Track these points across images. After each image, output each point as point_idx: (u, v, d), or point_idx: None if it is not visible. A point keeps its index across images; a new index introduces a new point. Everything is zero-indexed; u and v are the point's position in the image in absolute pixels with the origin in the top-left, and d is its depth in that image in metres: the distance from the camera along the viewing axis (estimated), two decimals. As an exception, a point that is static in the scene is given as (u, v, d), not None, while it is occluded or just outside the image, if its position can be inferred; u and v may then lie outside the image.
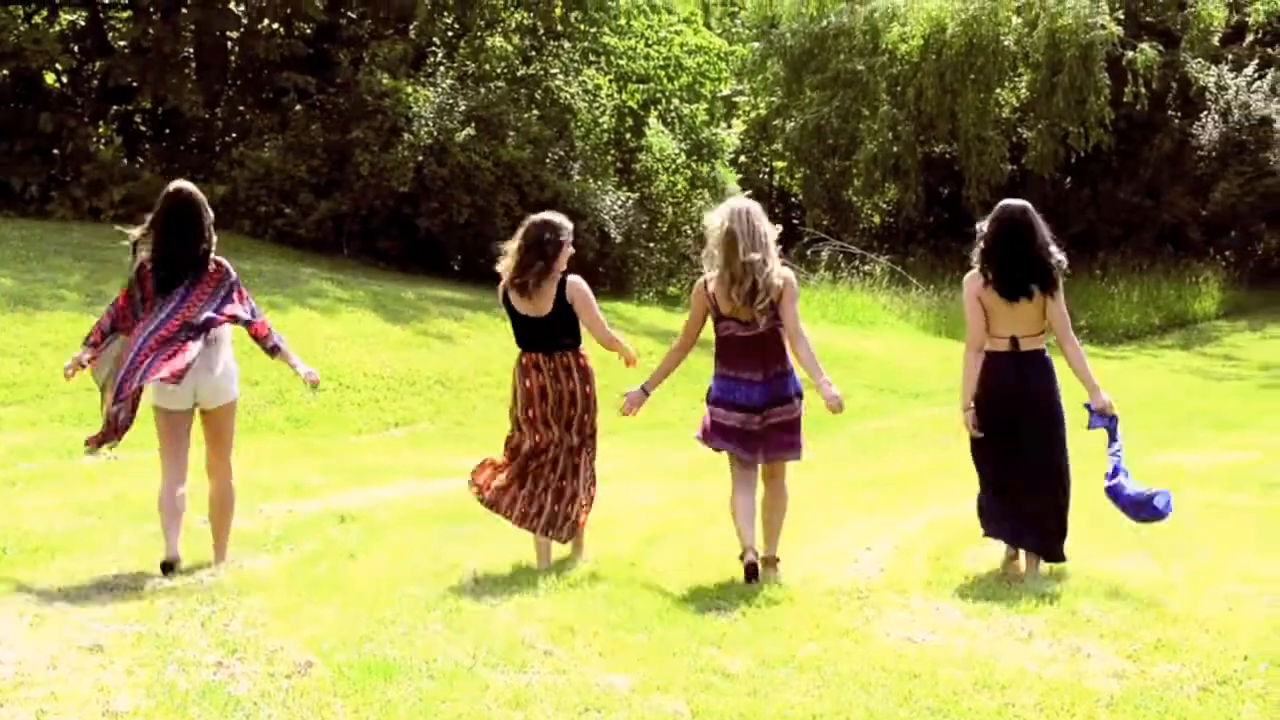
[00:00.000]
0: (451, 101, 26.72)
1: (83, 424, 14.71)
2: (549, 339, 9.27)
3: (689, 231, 31.78)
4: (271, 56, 27.63)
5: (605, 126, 30.72)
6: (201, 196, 9.20)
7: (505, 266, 9.26)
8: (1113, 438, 9.02)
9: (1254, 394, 25.96)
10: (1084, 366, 9.02)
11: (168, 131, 29.11)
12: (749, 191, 33.08)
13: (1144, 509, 8.77)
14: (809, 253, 37.78)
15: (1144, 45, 38.91)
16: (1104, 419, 9.04)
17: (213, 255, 9.15)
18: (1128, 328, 35.35)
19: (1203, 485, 14.28)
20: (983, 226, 9.11)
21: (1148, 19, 42.01)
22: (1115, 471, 8.88)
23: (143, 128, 29.48)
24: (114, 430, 9.07)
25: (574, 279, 9.33)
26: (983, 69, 39.36)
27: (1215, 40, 41.48)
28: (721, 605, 7.97)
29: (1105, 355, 31.69)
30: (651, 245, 30.62)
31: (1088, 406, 9.03)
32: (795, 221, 43.21)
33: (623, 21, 30.28)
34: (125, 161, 27.84)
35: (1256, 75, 39.43)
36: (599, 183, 28.76)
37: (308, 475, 13.01)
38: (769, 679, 6.75)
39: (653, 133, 31.47)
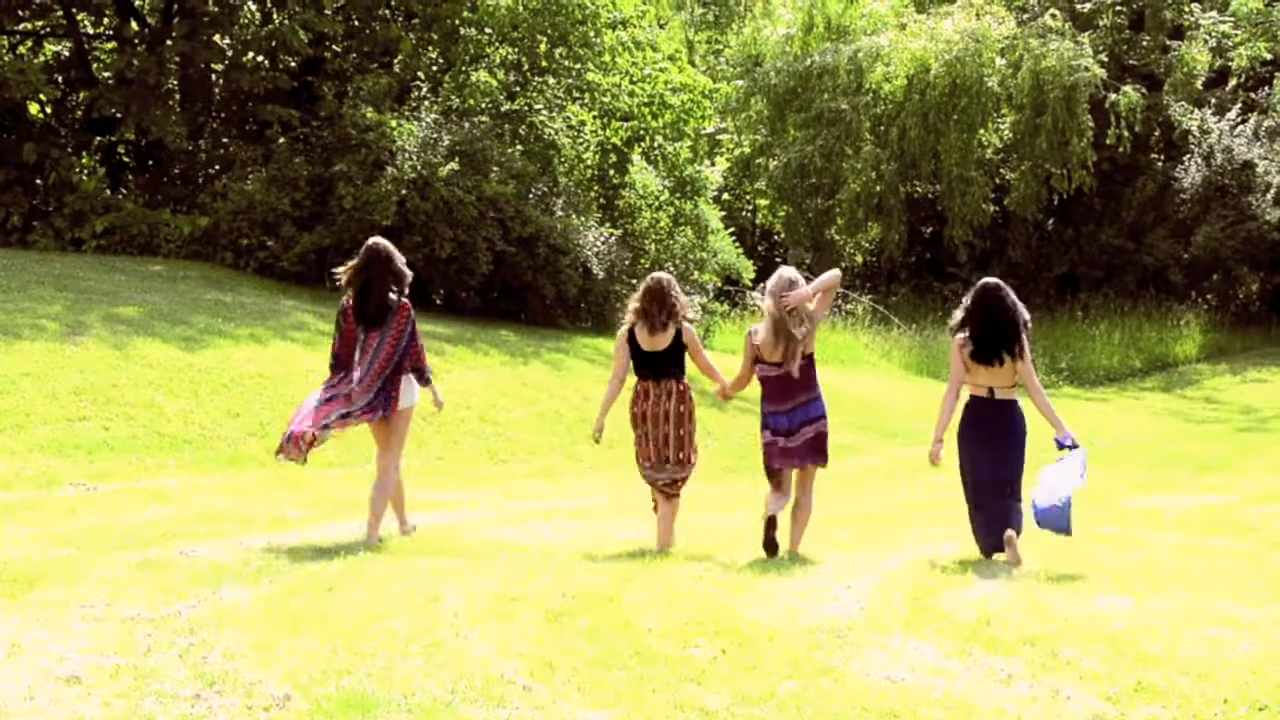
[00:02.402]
0: (435, 136, 26.76)
1: (62, 454, 14.71)
2: (661, 369, 11.63)
3: (671, 269, 31.81)
4: (255, 89, 27.69)
5: (589, 163, 30.82)
6: (393, 249, 11.42)
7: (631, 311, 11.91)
8: (1077, 461, 10.77)
9: (1234, 437, 26.01)
10: (1049, 411, 11.01)
11: (151, 163, 29.15)
12: (732, 229, 33.17)
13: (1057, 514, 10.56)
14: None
15: (1127, 88, 39.15)
16: (1068, 443, 10.88)
17: (403, 299, 11.35)
18: (1109, 370, 35.45)
19: (1181, 528, 14.29)
20: (965, 301, 11.06)
21: (1131, 62, 42.27)
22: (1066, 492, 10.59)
23: (126, 159, 29.53)
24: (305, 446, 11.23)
25: (687, 325, 11.73)
26: (966, 110, 39.54)
27: (1199, 84, 41.75)
28: (701, 642, 7.95)
29: (1086, 397, 31.77)
30: (634, 282, 30.60)
31: (1057, 441, 10.92)
32: (778, 260, 43.30)
33: (607, 58, 30.33)
34: (108, 192, 27.90)
35: (1239, 119, 39.64)
36: (582, 219, 28.82)
37: (288, 508, 12.99)
38: (748, 717, 6.74)
39: (636, 169, 31.55)
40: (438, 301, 27.59)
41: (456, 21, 29.32)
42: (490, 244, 26.27)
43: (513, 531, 12.14)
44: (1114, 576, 10.05)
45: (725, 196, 42.06)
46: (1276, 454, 23.46)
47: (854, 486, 17.58)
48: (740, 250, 35.17)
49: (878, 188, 40.59)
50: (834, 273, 11.56)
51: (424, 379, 11.57)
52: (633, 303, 11.92)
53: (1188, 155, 40.13)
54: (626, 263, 29.97)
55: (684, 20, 47.57)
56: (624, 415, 12.05)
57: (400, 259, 11.41)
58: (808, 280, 11.53)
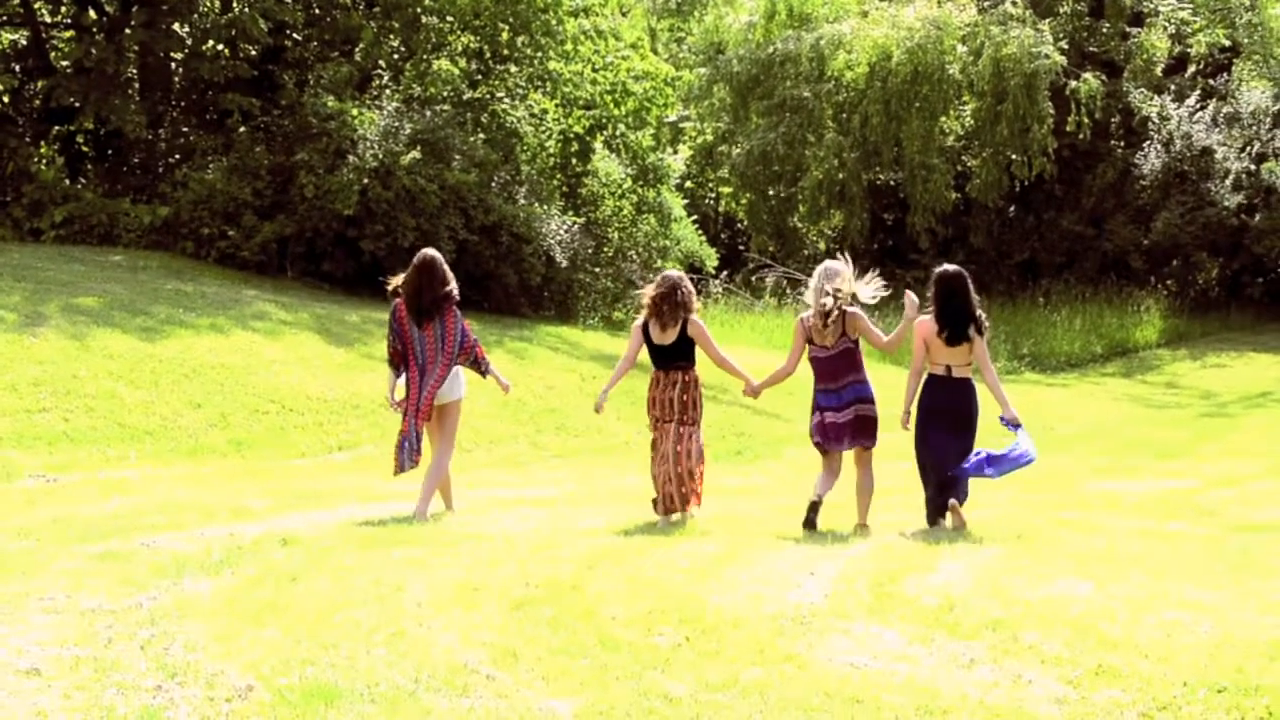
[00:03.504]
0: (397, 124, 26.70)
1: (21, 446, 14.65)
2: (671, 360, 12.54)
3: (634, 257, 31.83)
4: (216, 78, 27.57)
5: (551, 151, 30.80)
6: (441, 259, 12.75)
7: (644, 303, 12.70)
8: (1016, 430, 11.93)
9: (1193, 422, 26.13)
10: (998, 389, 12.08)
11: (110, 152, 28.99)
12: (695, 216, 33.23)
13: (1006, 462, 11.80)
14: (754, 279, 37.89)
15: (1087, 75, 39.28)
16: (1011, 425, 11.97)
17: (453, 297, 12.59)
18: (1070, 355, 35.55)
19: (1142, 513, 14.36)
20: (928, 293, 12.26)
21: (1091, 49, 42.41)
22: (999, 458, 11.80)
23: (85, 148, 29.34)
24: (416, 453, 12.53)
25: (695, 318, 12.56)
26: (928, 97, 39.60)
27: (1158, 71, 41.99)
28: (664, 630, 7.95)
29: (1047, 383, 31.87)
30: (597, 270, 30.66)
31: (1001, 419, 12.01)
32: (740, 247, 43.41)
33: (569, 47, 30.28)
34: (67, 182, 27.73)
35: (1198, 106, 39.81)
36: (545, 207, 28.81)
37: (250, 499, 12.93)
38: (712, 704, 6.74)
39: (599, 158, 31.53)
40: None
41: (418, 10, 29.23)
42: (453, 233, 26.21)
43: (476, 521, 12.11)
44: (1075, 561, 10.08)
45: (688, 184, 42.10)
46: (1235, 439, 23.59)
47: (812, 472, 17.58)
48: (703, 238, 35.21)
49: (840, 175, 40.62)
50: (910, 308, 12.24)
51: (489, 368, 12.90)
52: (646, 297, 12.69)
53: (1147, 142, 40.29)
54: (589, 251, 29.97)
55: (646, 8, 47.55)
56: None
57: (446, 267, 12.74)
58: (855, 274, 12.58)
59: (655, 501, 12.51)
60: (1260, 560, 10.41)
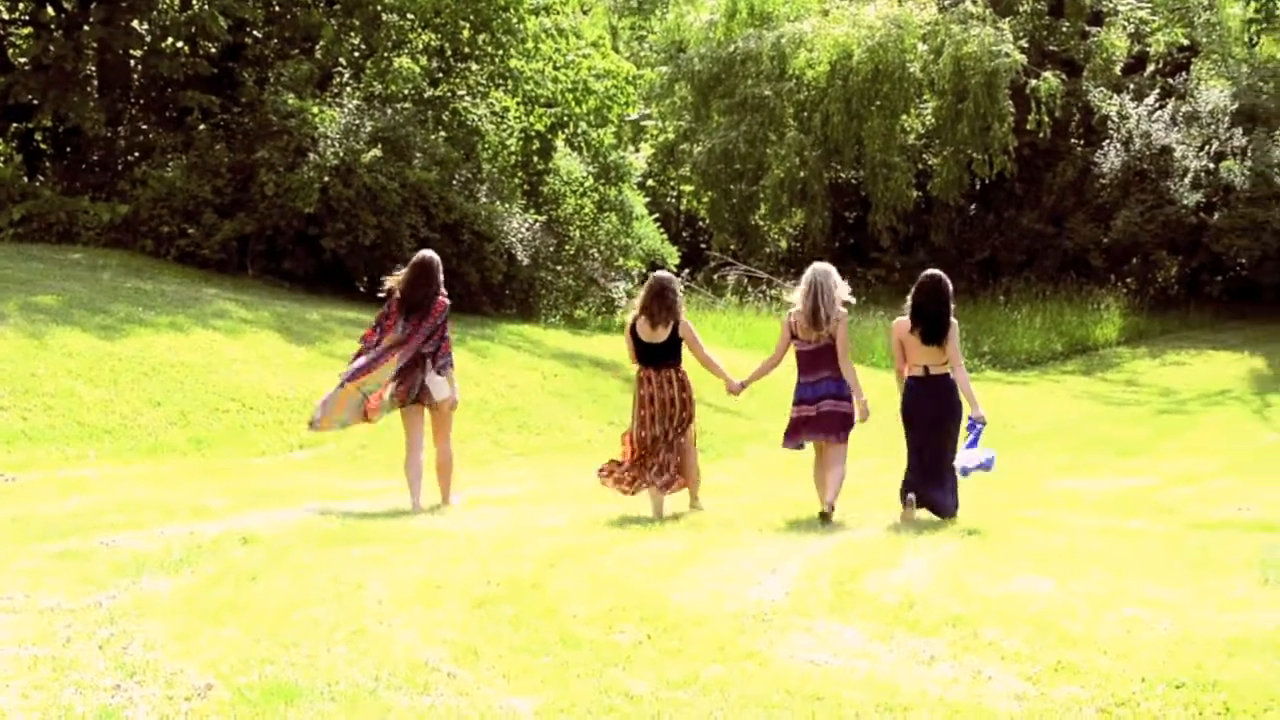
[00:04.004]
0: (358, 122, 26.64)
1: (-20, 444, 14.56)
2: (661, 359, 13.02)
3: (596, 255, 31.82)
4: (175, 75, 27.43)
5: (513, 149, 30.78)
6: (439, 262, 13.57)
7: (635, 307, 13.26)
8: (973, 434, 12.59)
9: (1153, 420, 26.25)
10: (968, 388, 12.74)
11: (69, 150, 28.82)
12: (657, 215, 33.26)
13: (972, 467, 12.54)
14: (715, 277, 37.93)
15: (1047, 74, 39.42)
16: (977, 423, 12.60)
17: (441, 296, 13.29)
18: (1030, 353, 35.63)
19: (1102, 510, 14.43)
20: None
21: (1051, 48, 42.57)
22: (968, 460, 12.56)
23: (43, 146, 29.17)
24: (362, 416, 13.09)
25: (683, 319, 13.06)
26: (888, 95, 39.72)
27: (1117, 70, 42.15)
28: (626, 628, 7.95)
29: (1008, 381, 31.96)
30: (559, 268, 30.66)
31: (969, 417, 12.65)
32: (702, 245, 43.43)
33: (530, 45, 30.24)
34: (25, 180, 27.57)
35: (1157, 105, 39.96)
36: (506, 205, 28.78)
37: (210, 497, 12.89)
38: (673, 701, 6.75)
39: (560, 156, 31.49)
40: (361, 289, 27.47)
41: (378, 7, 29.14)
42: (414, 231, 26.17)
43: (437, 519, 12.10)
44: (1036, 558, 10.14)
45: (649, 183, 42.09)
46: (1195, 436, 23.72)
47: (779, 472, 17.61)
48: (665, 236, 35.18)
49: (801, 173, 40.70)
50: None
51: (448, 367, 13.23)
52: (637, 299, 13.30)
53: (1107, 140, 40.42)
54: (551, 249, 29.97)
55: (607, 6, 47.59)
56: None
57: (439, 271, 13.45)
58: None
59: (611, 473, 13.16)
60: (1219, 558, 10.46)
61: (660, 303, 12.95)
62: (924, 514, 12.67)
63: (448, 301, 13.39)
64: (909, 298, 12.89)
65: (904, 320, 12.81)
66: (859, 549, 10.55)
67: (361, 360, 13.06)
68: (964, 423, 12.75)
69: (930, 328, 12.61)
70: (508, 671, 7.11)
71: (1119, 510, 14.47)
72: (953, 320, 12.75)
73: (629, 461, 13.13)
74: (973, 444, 12.56)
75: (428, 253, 13.69)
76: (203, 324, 20.26)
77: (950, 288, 12.87)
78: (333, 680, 6.79)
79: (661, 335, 12.94)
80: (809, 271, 12.99)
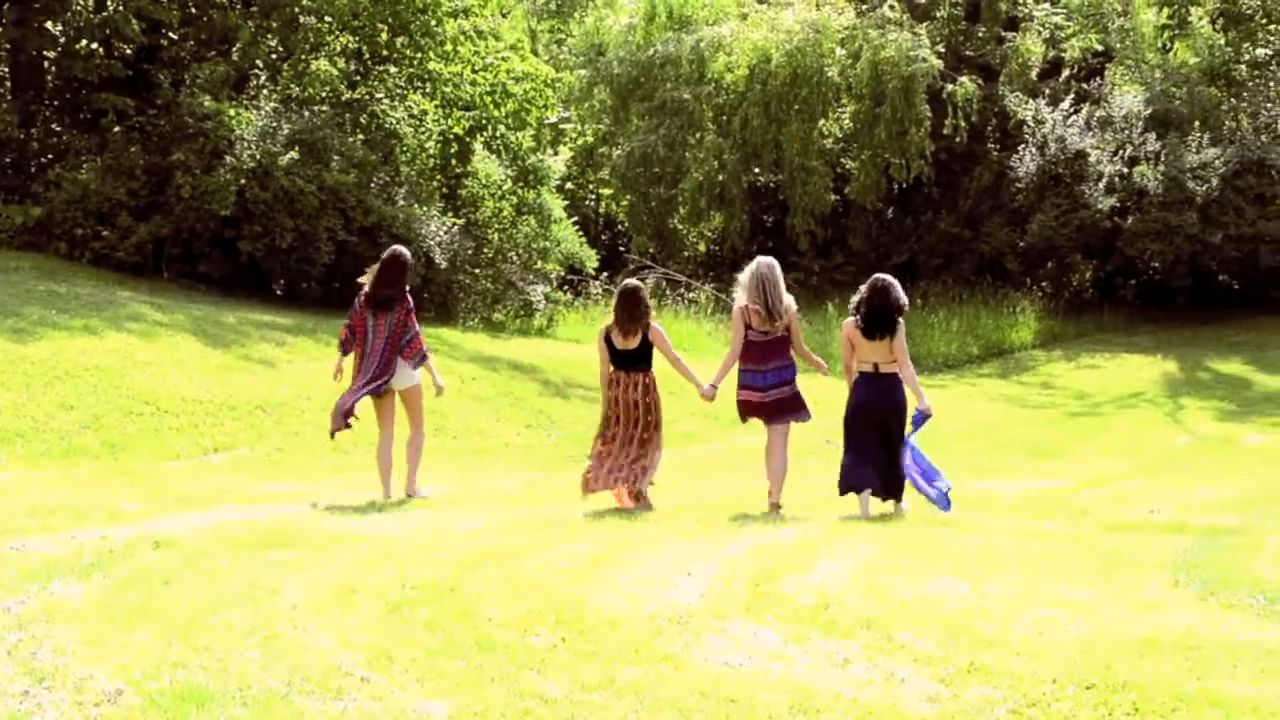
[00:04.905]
0: (275, 125, 26.50)
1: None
2: (633, 363, 13.63)
3: (514, 258, 31.77)
4: (90, 77, 27.21)
5: (431, 152, 30.69)
6: (408, 257, 14.47)
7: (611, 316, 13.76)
8: (916, 425, 13.44)
9: (1068, 422, 26.45)
10: (914, 383, 13.60)
11: (-19, 151, 28.51)
12: (576, 218, 33.27)
13: (933, 481, 13.50)
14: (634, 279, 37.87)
15: (964, 79, 39.73)
16: (922, 415, 13.43)
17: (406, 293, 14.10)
18: (947, 356, 35.81)
19: (1018, 512, 14.53)
20: (861, 290, 13.67)
21: (968, 53, 42.88)
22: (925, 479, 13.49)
23: (-44, 148, 28.85)
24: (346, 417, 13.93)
25: (656, 325, 13.75)
26: (807, 100, 39.88)
27: (1033, 75, 42.47)
28: (541, 631, 7.95)
29: (925, 383, 31.81)
30: (477, 271, 30.58)
31: (916, 409, 13.40)
32: (621, 248, 43.40)
33: (449, 47, 30.17)
34: (-62, 181, 27.25)
35: (1072, 110, 40.24)
36: (424, 208, 28.71)
37: (123, 501, 12.78)
38: (587, 704, 6.76)
39: (479, 159, 31.45)
40: (278, 292, 27.34)
41: (295, 9, 28.99)
42: (332, 234, 26.09)
43: (354, 523, 12.03)
44: (952, 560, 10.18)
45: (568, 186, 42.04)
46: (1108, 439, 23.92)
47: (696, 474, 17.65)
48: (584, 239, 35.17)
49: (720, 177, 40.79)
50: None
51: (423, 361, 14.17)
52: (612, 309, 13.86)
53: (1023, 145, 40.65)
54: (470, 252, 29.90)
55: (526, 9, 47.45)
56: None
57: (410, 264, 14.54)
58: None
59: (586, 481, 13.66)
60: (1131, 559, 10.56)
61: (630, 314, 13.54)
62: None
63: (410, 298, 14.19)
64: (856, 298, 13.68)
65: (852, 320, 13.52)
66: (776, 551, 10.56)
67: (357, 382, 13.99)
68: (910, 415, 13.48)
69: (872, 320, 13.34)
70: (422, 675, 7.10)
71: (1034, 512, 14.58)
72: (900, 320, 13.48)
73: (594, 461, 13.74)
74: (916, 425, 13.43)
75: (398, 249, 14.43)
76: (117, 327, 20.08)
77: (898, 288, 13.65)
78: (245, 685, 6.75)
79: (633, 342, 13.57)
80: (755, 267, 13.74)
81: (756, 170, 42.38)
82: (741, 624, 8.22)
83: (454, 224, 29.45)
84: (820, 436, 18.62)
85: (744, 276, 13.89)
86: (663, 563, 9.96)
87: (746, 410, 13.80)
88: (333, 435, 14.41)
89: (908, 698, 6.94)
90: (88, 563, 9.37)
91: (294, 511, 12.56)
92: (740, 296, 13.85)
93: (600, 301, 35.26)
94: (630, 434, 13.68)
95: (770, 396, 13.64)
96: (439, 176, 31.02)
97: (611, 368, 13.78)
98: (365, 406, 14.26)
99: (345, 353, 14.23)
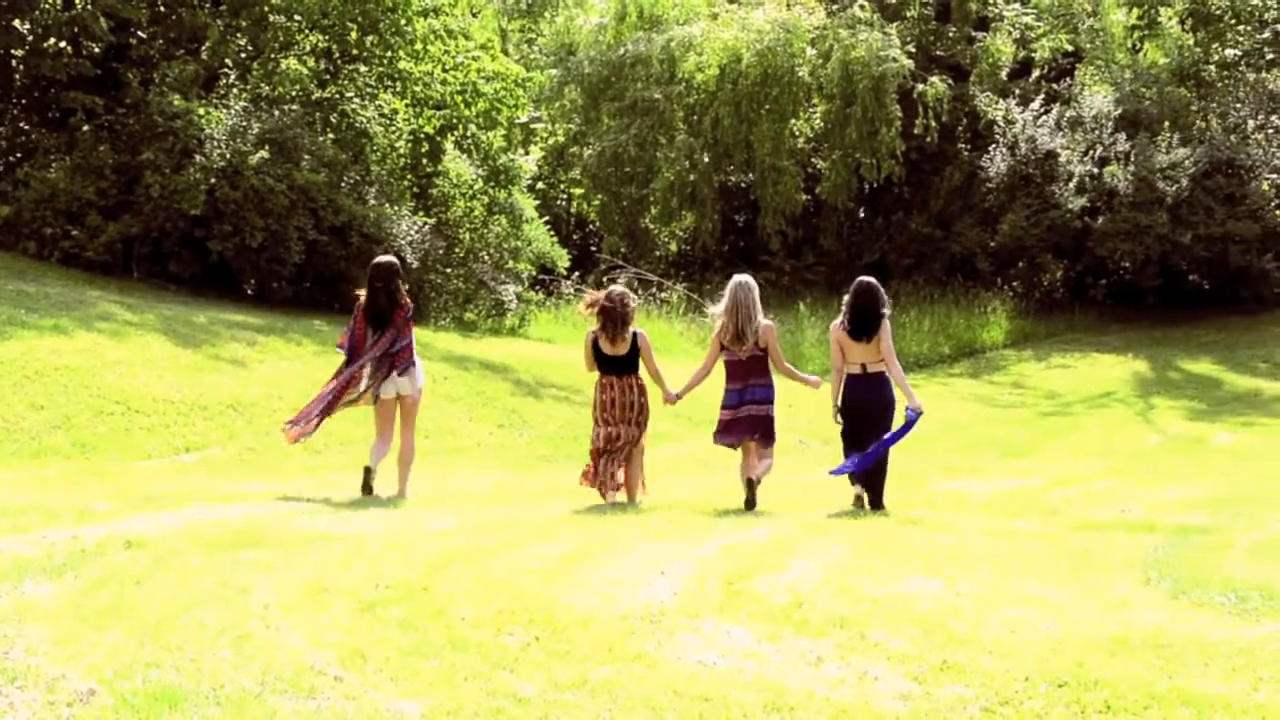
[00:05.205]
0: (245, 124, 26.43)
1: None
2: (623, 369, 14.08)
3: (486, 258, 31.74)
4: (58, 75, 27.08)
5: (402, 151, 30.65)
6: (396, 264, 14.49)
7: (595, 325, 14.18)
8: (908, 425, 13.93)
9: (1038, 422, 26.54)
10: (903, 382, 14.19)
11: (-51, 151, 28.40)
12: (547, 217, 33.26)
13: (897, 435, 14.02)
14: (605, 279, 37.89)
15: (934, 79, 39.84)
16: (912, 414, 13.88)
17: (403, 302, 14.25)
18: (919, 356, 35.86)
19: (988, 512, 14.57)
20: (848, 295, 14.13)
21: (938, 53, 42.98)
22: (894, 438, 14.02)
23: (-78, 147, 28.73)
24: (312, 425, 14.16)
25: (642, 332, 14.20)
26: (777, 99, 39.91)
27: (1003, 75, 42.59)
28: (514, 630, 7.94)
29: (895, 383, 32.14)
30: (448, 271, 30.53)
31: (907, 409, 13.89)
32: (592, 248, 43.40)
33: (419, 47, 30.12)
34: (-97, 181, 27.11)
35: (1043, 110, 40.37)
36: (395, 208, 28.66)
37: (94, 501, 12.72)
38: (561, 703, 6.75)
39: (449, 158, 31.42)
40: (249, 291, 27.27)
41: (265, 8, 28.92)
42: (302, 233, 26.04)
43: (326, 522, 11.99)
44: (924, 559, 10.20)
45: (540, 185, 42.08)
46: (1079, 438, 24.01)
47: (669, 473, 17.66)
48: (555, 239, 35.16)
49: (691, 177, 40.82)
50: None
51: (406, 370, 14.24)
52: (586, 307, 14.40)
53: (993, 145, 40.78)
54: (440, 252, 29.86)
55: (497, 9, 47.41)
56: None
57: (400, 274, 14.46)
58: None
59: (587, 474, 14.26)
60: (1102, 558, 10.60)
61: (616, 324, 14.00)
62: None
63: (410, 305, 14.38)
64: (845, 301, 14.17)
65: (839, 322, 14.06)
66: (749, 550, 10.57)
67: (333, 385, 14.18)
68: (900, 414, 14.09)
69: (857, 322, 13.87)
70: (395, 674, 7.09)
71: (1005, 511, 14.63)
72: (885, 321, 13.97)
73: (594, 460, 14.20)
74: (905, 429, 13.96)
75: (384, 258, 14.62)
76: (87, 327, 20.01)
77: (881, 291, 14.13)
78: (218, 684, 6.73)
79: (622, 349, 14.07)
80: (732, 287, 14.11)
81: (728, 170, 42.44)
82: (715, 623, 8.22)
83: (425, 223, 29.41)
84: (794, 437, 18.64)
85: (724, 297, 14.29)
86: (636, 562, 9.96)
87: (727, 428, 14.20)
88: (294, 441, 14.54)
89: (880, 696, 6.94)
90: (59, 562, 9.33)
91: (266, 511, 12.53)
92: (717, 314, 14.36)
93: (572, 301, 35.25)
94: (617, 431, 14.07)
95: (742, 412, 14.07)
96: (410, 176, 30.98)
97: (599, 373, 14.23)
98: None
99: (342, 350, 14.47)
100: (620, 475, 14.21)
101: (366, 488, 13.88)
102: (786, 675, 7.25)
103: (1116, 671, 7.21)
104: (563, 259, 34.72)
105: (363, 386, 14.13)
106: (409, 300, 14.45)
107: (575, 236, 44.30)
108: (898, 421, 14.13)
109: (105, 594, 8.48)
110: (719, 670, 7.32)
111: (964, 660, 7.43)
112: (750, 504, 13.66)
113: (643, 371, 14.28)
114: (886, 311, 14.15)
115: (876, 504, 13.95)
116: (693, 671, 7.28)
